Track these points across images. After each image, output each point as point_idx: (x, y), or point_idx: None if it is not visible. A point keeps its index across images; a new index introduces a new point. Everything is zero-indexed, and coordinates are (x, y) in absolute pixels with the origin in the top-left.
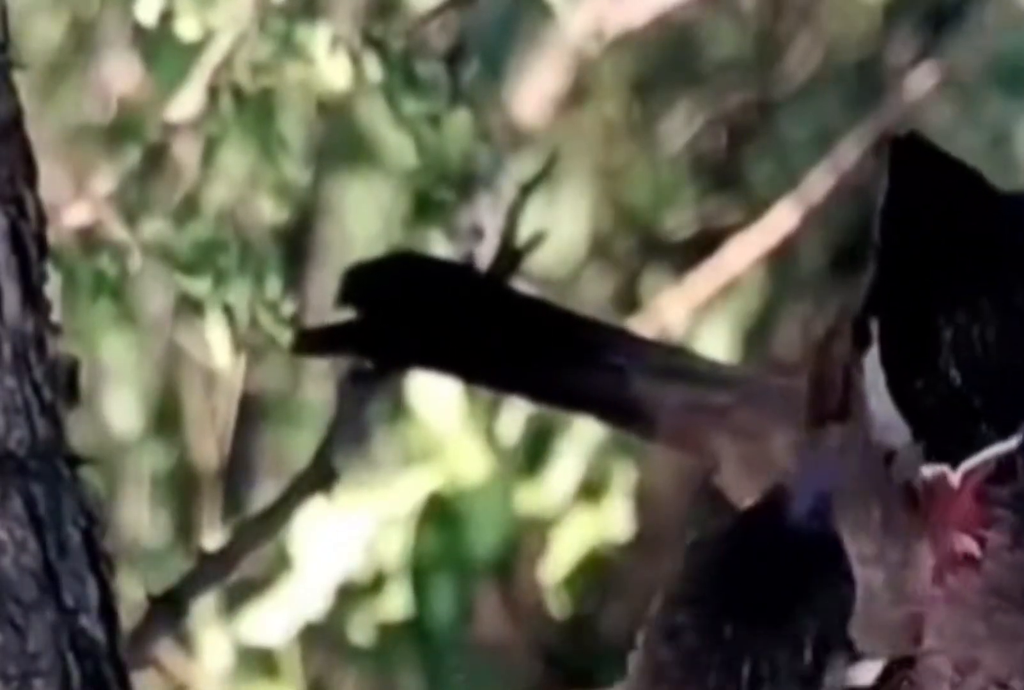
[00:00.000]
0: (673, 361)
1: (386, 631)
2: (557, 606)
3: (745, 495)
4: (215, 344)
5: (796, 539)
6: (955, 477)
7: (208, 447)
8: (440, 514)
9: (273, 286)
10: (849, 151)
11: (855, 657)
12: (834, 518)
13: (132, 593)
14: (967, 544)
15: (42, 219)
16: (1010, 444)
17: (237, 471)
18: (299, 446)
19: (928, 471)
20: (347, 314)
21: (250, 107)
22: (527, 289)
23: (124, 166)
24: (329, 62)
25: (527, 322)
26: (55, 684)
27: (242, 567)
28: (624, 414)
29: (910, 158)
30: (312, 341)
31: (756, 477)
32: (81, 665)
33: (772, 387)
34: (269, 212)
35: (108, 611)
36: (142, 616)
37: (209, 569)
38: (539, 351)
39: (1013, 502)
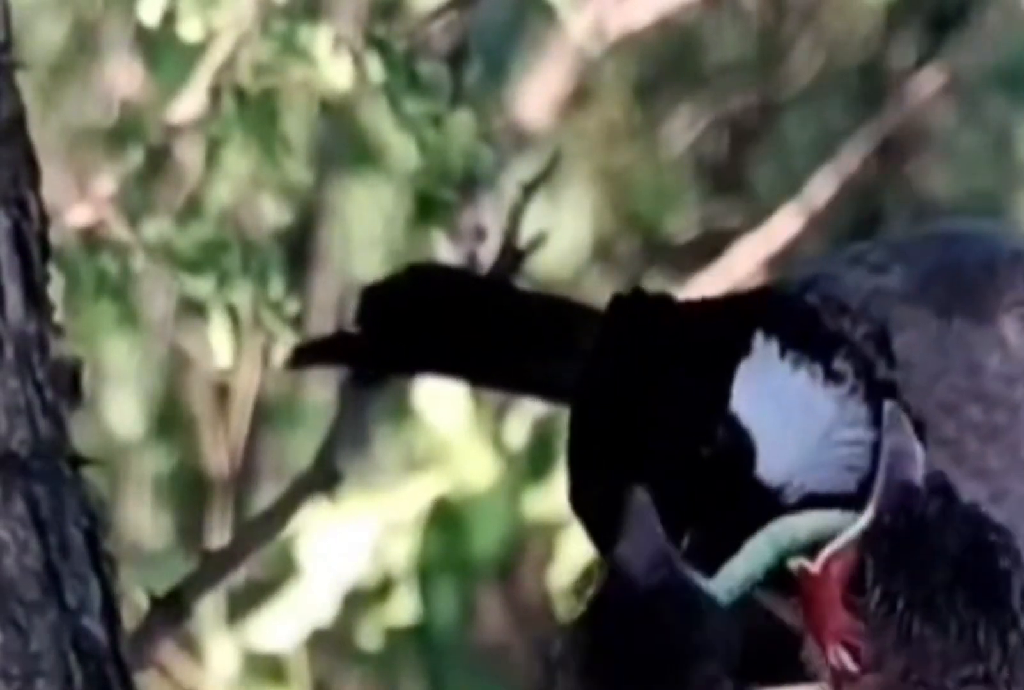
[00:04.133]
0: None
1: (393, 636)
2: (564, 610)
3: None
4: (218, 345)
5: (645, 595)
6: (815, 566)
7: (212, 448)
8: (446, 519)
9: (276, 286)
10: (852, 154)
11: None
12: (676, 562)
13: (134, 594)
14: (844, 658)
15: (45, 220)
16: (860, 524)
17: (240, 473)
18: (302, 448)
19: (793, 565)
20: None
21: (252, 108)
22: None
23: (127, 167)
24: (331, 63)
25: (525, 320)
26: (57, 684)
27: (249, 573)
28: None
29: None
30: (307, 355)
31: None
32: (83, 665)
33: None
34: (272, 212)
35: (110, 611)
36: (144, 617)
37: (211, 570)
38: (536, 348)
39: (875, 610)
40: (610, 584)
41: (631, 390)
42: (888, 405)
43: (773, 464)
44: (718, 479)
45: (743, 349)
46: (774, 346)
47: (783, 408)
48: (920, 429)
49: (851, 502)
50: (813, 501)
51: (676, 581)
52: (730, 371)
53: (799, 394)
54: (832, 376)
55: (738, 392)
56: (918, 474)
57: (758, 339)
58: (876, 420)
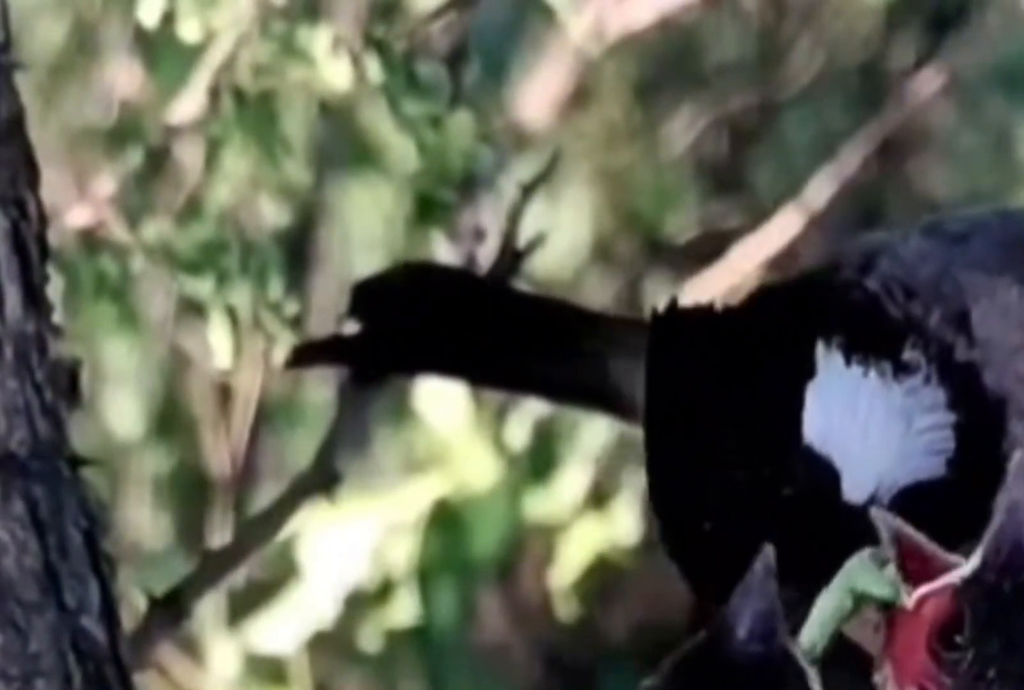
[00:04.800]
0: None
1: (393, 637)
2: (564, 611)
3: None
4: (218, 345)
5: (741, 664)
6: (910, 601)
7: (212, 449)
8: (446, 520)
9: (275, 287)
10: (852, 154)
11: None
12: (778, 636)
13: (134, 594)
14: None
15: (44, 220)
16: (962, 572)
17: (240, 473)
18: (302, 448)
19: (884, 592)
20: (352, 327)
21: (251, 109)
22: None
23: (126, 168)
24: (330, 64)
25: (517, 318)
26: (56, 685)
27: (249, 574)
28: (608, 400)
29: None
30: (306, 355)
31: None
32: (82, 666)
33: None
34: (271, 213)
35: (109, 612)
36: (143, 617)
37: (211, 570)
38: (527, 345)
39: (966, 670)
40: (714, 640)
41: (696, 427)
42: (1018, 455)
43: (859, 480)
44: (803, 516)
45: (806, 367)
46: (837, 356)
47: (859, 419)
48: (1002, 404)
49: (945, 488)
50: (906, 495)
51: (775, 654)
52: (797, 395)
53: (872, 398)
54: (903, 368)
55: (810, 419)
56: None
57: (819, 351)
58: (954, 402)
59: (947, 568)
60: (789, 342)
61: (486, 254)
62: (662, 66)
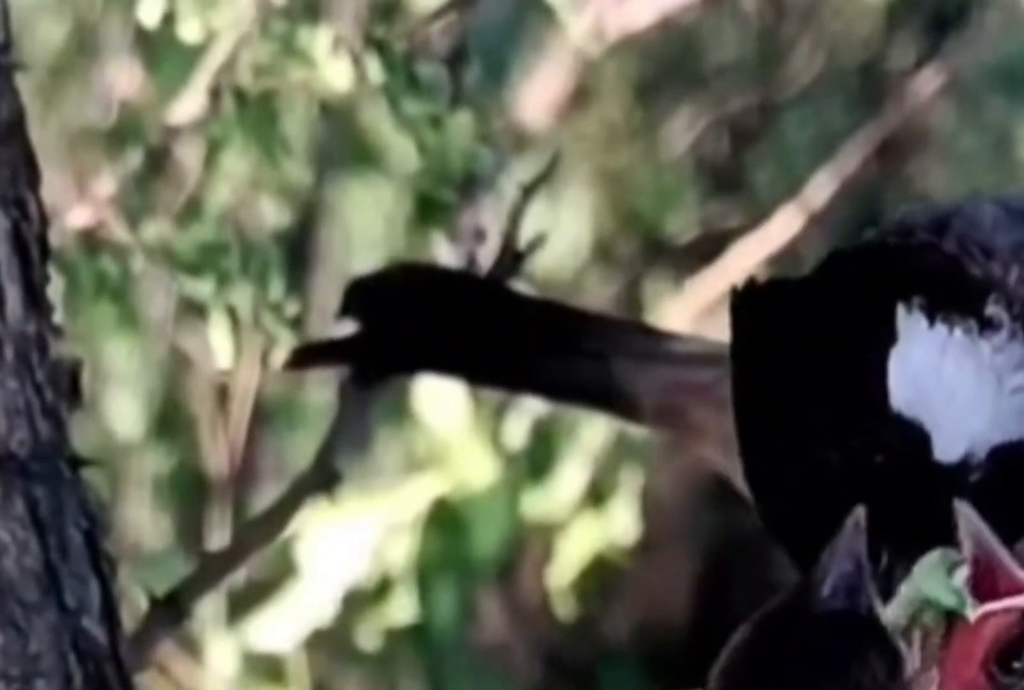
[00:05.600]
0: (653, 343)
1: (392, 636)
2: (563, 610)
3: (731, 466)
4: (218, 346)
5: (823, 619)
6: (974, 614)
7: (212, 449)
8: (445, 519)
9: (276, 288)
10: (852, 154)
11: None
12: (863, 595)
13: (134, 594)
14: None
15: (44, 221)
16: None
17: (240, 473)
18: (302, 449)
19: (951, 602)
20: (347, 325)
21: (252, 109)
22: (529, 292)
23: (126, 168)
24: (331, 64)
25: (518, 318)
26: (57, 685)
27: (248, 573)
28: (610, 401)
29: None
30: (306, 357)
31: None
32: (83, 666)
33: None
34: (271, 214)
35: (110, 612)
36: (143, 617)
37: (211, 571)
38: (528, 346)
39: None
40: (798, 596)
41: (783, 404)
42: None
43: (952, 439)
44: (896, 482)
45: (887, 333)
46: (920, 318)
47: (947, 380)
48: None
49: None
50: (1000, 453)
51: (859, 611)
52: (881, 362)
53: (959, 356)
54: (988, 324)
55: (896, 385)
56: None
57: (900, 315)
58: None
59: (1018, 584)
60: (869, 309)
61: (486, 254)
62: (662, 66)
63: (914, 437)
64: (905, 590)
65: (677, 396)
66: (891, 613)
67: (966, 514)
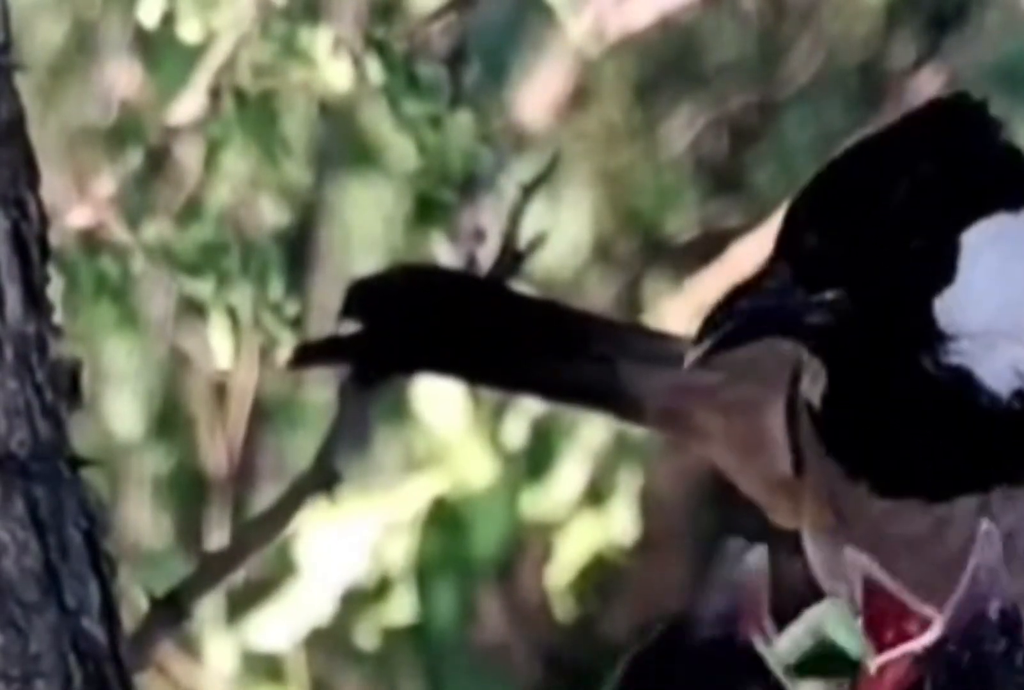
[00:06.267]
0: (657, 345)
1: (391, 636)
2: (562, 609)
3: (738, 469)
4: (218, 345)
5: (700, 653)
6: (873, 665)
7: (211, 449)
8: (445, 518)
9: (276, 287)
10: None
11: None
12: (742, 622)
13: (134, 594)
14: None
15: (44, 221)
16: (923, 641)
17: (240, 473)
18: (302, 448)
19: (855, 651)
20: (349, 326)
21: (252, 109)
22: (529, 292)
23: (126, 168)
24: (331, 64)
25: (521, 320)
26: (57, 685)
27: (247, 572)
28: (615, 403)
29: None
30: (308, 355)
31: (749, 450)
32: (83, 666)
33: (759, 364)
34: (271, 214)
35: (110, 612)
36: (143, 617)
37: (210, 571)
38: (531, 347)
39: None
40: (672, 631)
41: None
42: (984, 525)
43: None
44: (947, 422)
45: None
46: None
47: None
48: None
49: None
50: None
51: (739, 641)
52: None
53: None
54: None
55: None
56: (995, 605)
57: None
58: None
59: (915, 627)
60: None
61: (486, 254)
62: (662, 66)
63: (957, 377)
64: (799, 629)
65: (681, 399)
66: (782, 648)
67: (854, 559)
